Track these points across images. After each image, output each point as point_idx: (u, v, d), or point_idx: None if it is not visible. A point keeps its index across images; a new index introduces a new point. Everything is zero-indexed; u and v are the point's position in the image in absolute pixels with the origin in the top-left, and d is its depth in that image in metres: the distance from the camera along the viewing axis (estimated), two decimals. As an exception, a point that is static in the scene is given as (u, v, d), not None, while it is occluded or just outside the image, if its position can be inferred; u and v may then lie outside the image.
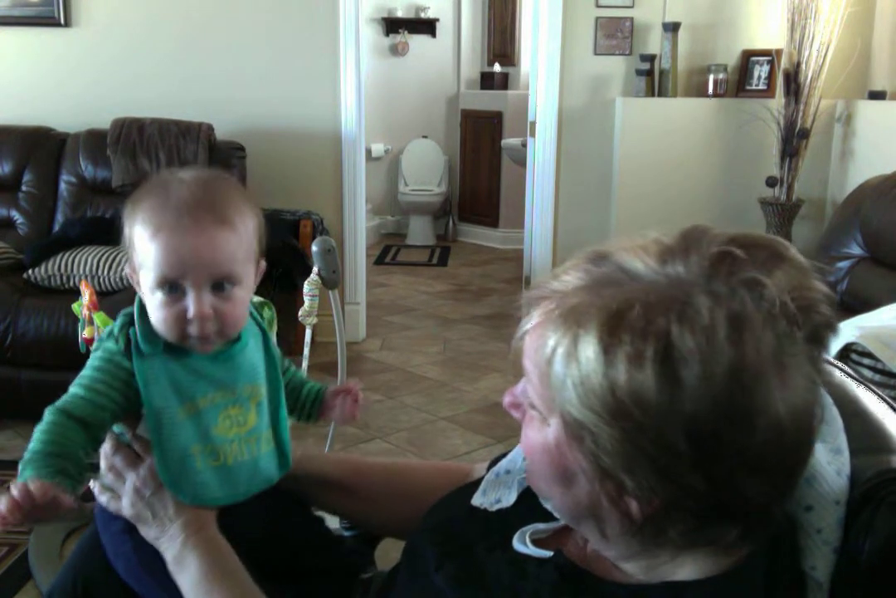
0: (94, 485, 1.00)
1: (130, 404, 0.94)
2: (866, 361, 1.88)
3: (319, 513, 1.17)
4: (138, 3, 3.86)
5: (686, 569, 0.70)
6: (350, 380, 1.16)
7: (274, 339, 2.56)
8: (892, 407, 0.87)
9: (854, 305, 2.56)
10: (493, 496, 0.88)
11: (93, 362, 0.95)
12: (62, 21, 3.84)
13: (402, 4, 6.58)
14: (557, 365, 0.65)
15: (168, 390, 0.94)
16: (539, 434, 0.70)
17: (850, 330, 1.94)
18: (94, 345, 0.98)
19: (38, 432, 0.90)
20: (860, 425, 0.83)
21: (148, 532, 0.94)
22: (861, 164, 3.68)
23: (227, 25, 3.88)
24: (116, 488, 0.97)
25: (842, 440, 0.77)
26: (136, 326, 0.95)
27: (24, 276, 3.17)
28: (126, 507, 0.96)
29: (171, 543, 0.92)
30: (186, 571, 0.90)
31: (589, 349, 0.63)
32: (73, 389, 0.93)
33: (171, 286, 0.92)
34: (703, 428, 0.61)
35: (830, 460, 0.75)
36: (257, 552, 1.00)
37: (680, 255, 0.65)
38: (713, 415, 0.60)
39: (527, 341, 0.69)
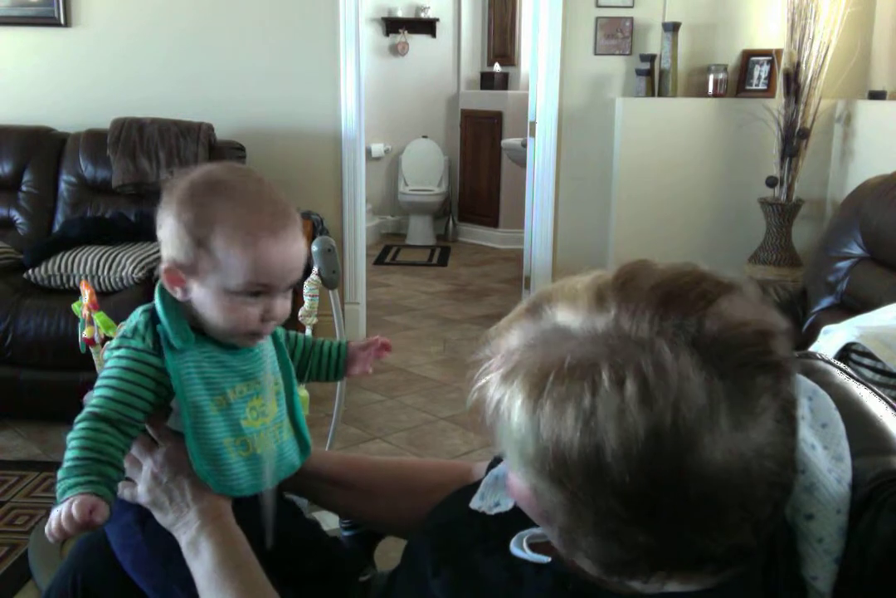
0: None
1: (160, 401, 0.94)
2: (866, 361, 1.88)
3: (314, 517, 1.17)
4: (138, 3, 3.86)
5: (682, 584, 0.69)
6: (373, 337, 1.17)
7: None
8: (893, 408, 0.86)
9: (854, 305, 2.56)
10: (492, 500, 0.87)
11: (118, 362, 0.94)
12: (62, 21, 3.84)
13: (402, 4, 6.58)
14: (499, 424, 0.65)
15: (200, 384, 0.95)
16: (516, 485, 0.70)
17: (850, 330, 1.94)
18: (114, 343, 0.97)
19: (75, 438, 0.89)
20: (862, 427, 0.82)
21: (164, 518, 0.94)
22: (861, 164, 3.68)
23: (227, 25, 3.88)
24: (132, 474, 0.97)
25: (843, 447, 0.75)
26: (165, 322, 0.94)
27: (24, 276, 3.17)
28: (142, 493, 0.96)
29: (187, 529, 0.92)
30: (200, 557, 0.90)
31: (519, 409, 0.63)
32: (102, 391, 0.92)
33: (258, 290, 0.93)
34: (633, 491, 0.59)
35: (831, 468, 0.74)
36: (255, 556, 1.00)
37: (608, 306, 0.64)
38: (639, 479, 0.59)
39: (477, 397, 0.68)
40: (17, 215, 3.55)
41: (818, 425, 0.76)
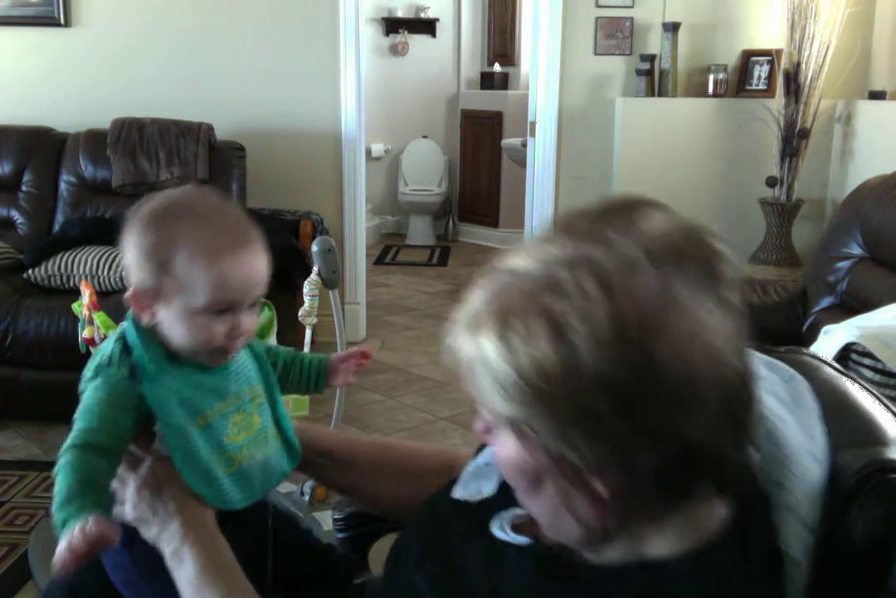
0: None
1: (139, 427, 0.96)
2: (866, 361, 1.88)
3: (313, 516, 1.18)
4: (138, 3, 3.86)
5: (660, 546, 0.71)
6: (354, 348, 1.19)
7: (273, 339, 2.56)
8: (880, 401, 0.89)
9: (854, 305, 2.56)
10: (474, 488, 0.89)
11: (96, 393, 0.95)
12: (62, 21, 3.85)
13: (402, 4, 6.58)
14: (474, 372, 0.68)
15: (179, 407, 0.96)
16: (503, 448, 0.72)
17: (850, 330, 1.94)
18: (89, 373, 0.98)
19: (63, 472, 0.89)
20: (849, 419, 0.85)
21: (149, 533, 0.95)
22: (861, 164, 3.68)
23: (227, 25, 3.88)
24: (119, 494, 0.98)
25: (817, 427, 0.79)
26: (138, 350, 0.96)
27: (24, 276, 3.17)
28: (128, 511, 0.97)
29: (171, 540, 0.93)
30: (184, 566, 0.91)
31: (489, 347, 0.66)
32: (83, 423, 0.93)
33: (225, 308, 0.95)
34: (611, 383, 0.62)
35: (804, 443, 0.78)
36: (250, 561, 1.01)
37: (552, 240, 0.69)
38: (616, 370, 0.62)
39: (448, 360, 0.71)
40: (17, 215, 3.55)
41: (794, 405, 0.81)
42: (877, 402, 0.88)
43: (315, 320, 2.26)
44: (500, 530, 0.81)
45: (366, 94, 4.03)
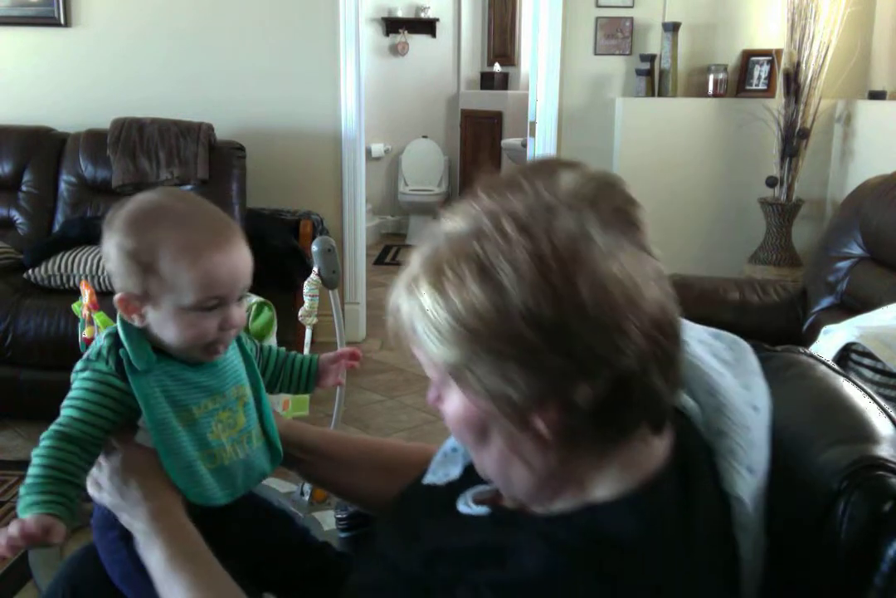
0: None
1: (122, 420, 0.98)
2: (866, 361, 1.88)
3: (313, 517, 1.18)
4: (138, 3, 3.86)
5: (603, 489, 0.75)
6: (343, 349, 1.21)
7: (273, 339, 2.56)
8: (873, 400, 0.90)
9: (854, 305, 2.55)
10: (442, 473, 0.94)
11: (84, 383, 0.97)
12: (62, 21, 3.85)
13: (402, 4, 6.58)
14: (415, 328, 0.73)
15: (165, 403, 0.98)
16: (450, 405, 0.76)
17: (850, 330, 1.94)
18: (79, 365, 1.00)
19: (39, 455, 0.92)
20: (839, 417, 0.87)
21: (123, 518, 0.97)
22: (861, 164, 3.68)
23: (227, 25, 3.88)
24: (100, 479, 1.00)
25: (752, 378, 0.86)
26: (126, 346, 0.98)
27: (24, 276, 3.17)
28: (106, 496, 0.99)
29: (140, 526, 0.95)
30: (153, 552, 0.93)
31: (426, 299, 0.71)
32: (68, 411, 0.96)
33: (214, 304, 0.96)
34: (539, 316, 0.67)
35: (739, 392, 0.84)
36: (245, 558, 1.03)
37: (478, 196, 0.74)
38: (541, 304, 0.67)
39: (392, 323, 0.76)
40: (17, 215, 3.55)
41: (733, 362, 0.87)
42: (870, 401, 0.89)
43: (315, 320, 2.26)
44: (465, 505, 0.86)
45: (366, 94, 4.03)
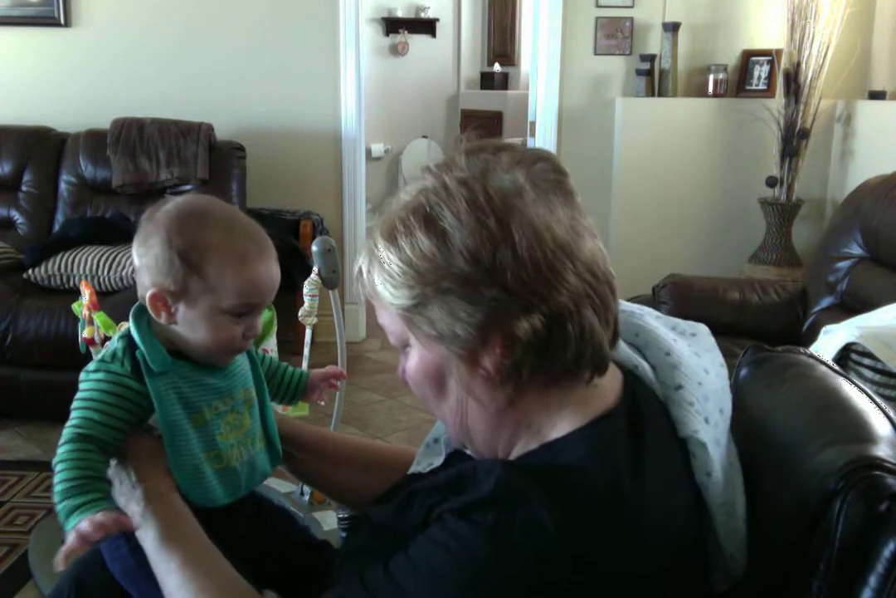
0: None
1: (138, 422, 1.00)
2: (866, 361, 1.88)
3: (313, 517, 1.18)
4: (138, 3, 3.86)
5: (556, 432, 0.81)
6: (332, 367, 1.25)
7: (273, 339, 2.55)
8: (872, 400, 0.90)
9: (854, 305, 2.55)
10: (426, 463, 0.99)
11: (98, 385, 0.98)
12: (62, 21, 3.85)
13: (402, 4, 6.58)
14: (373, 282, 0.81)
15: (178, 405, 1.00)
16: (411, 362, 0.84)
17: (850, 330, 1.94)
18: (92, 366, 1.01)
19: (66, 460, 0.94)
20: (837, 417, 0.87)
21: (119, 501, 0.99)
22: (861, 164, 3.68)
23: (227, 25, 3.88)
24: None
25: (704, 348, 0.93)
26: (142, 347, 1.00)
27: (24, 276, 3.17)
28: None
29: (136, 508, 0.97)
30: (147, 532, 0.95)
31: (382, 254, 0.80)
32: (85, 412, 0.97)
33: (245, 310, 1.00)
34: (478, 255, 0.75)
35: (691, 355, 0.91)
36: (248, 555, 1.04)
37: (424, 173, 0.82)
38: (478, 241, 0.75)
39: (363, 288, 0.84)
40: (17, 215, 3.55)
41: (689, 336, 0.94)
42: (869, 401, 0.89)
43: (315, 320, 2.26)
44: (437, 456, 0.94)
45: (366, 94, 4.02)
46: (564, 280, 0.76)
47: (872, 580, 0.73)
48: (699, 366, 0.90)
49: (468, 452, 0.92)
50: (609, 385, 0.84)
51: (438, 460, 0.98)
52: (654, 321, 0.94)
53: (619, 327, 0.83)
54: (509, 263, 0.75)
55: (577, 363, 0.79)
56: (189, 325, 1.00)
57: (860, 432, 0.83)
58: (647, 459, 0.79)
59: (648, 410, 0.85)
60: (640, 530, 0.75)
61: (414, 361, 0.83)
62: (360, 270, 0.84)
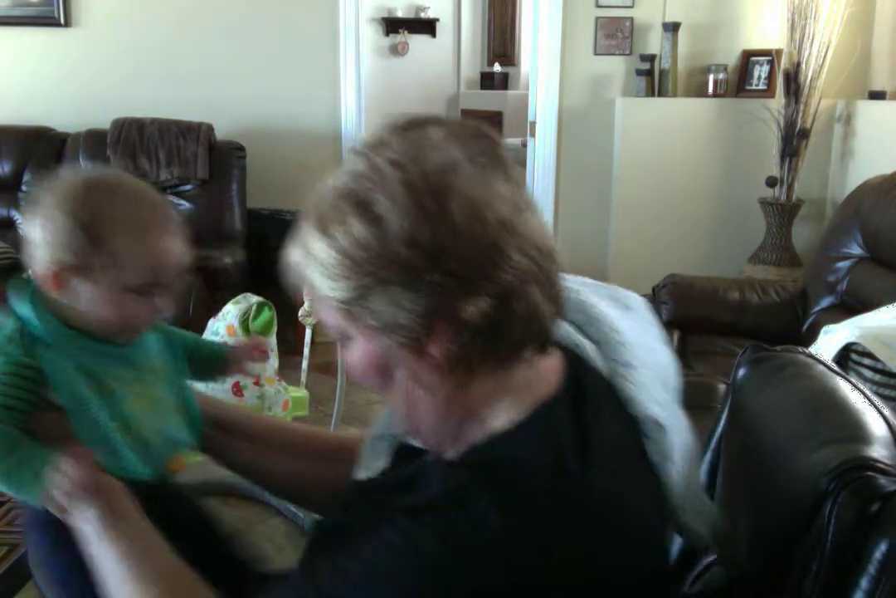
0: None
1: (42, 398, 0.96)
2: (866, 361, 1.88)
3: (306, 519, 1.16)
4: (138, 3, 3.86)
5: (499, 420, 0.78)
6: (257, 338, 1.20)
7: (273, 339, 2.55)
8: (869, 400, 0.90)
9: (854, 305, 2.55)
10: (374, 466, 0.96)
11: None
12: (62, 21, 3.85)
13: (402, 4, 6.58)
14: (308, 275, 0.77)
15: (79, 376, 0.96)
16: (353, 353, 0.80)
17: (850, 330, 1.94)
18: None
19: None
20: (833, 417, 0.87)
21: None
22: (861, 164, 3.68)
23: (226, 25, 3.88)
24: None
25: (644, 325, 0.91)
26: (33, 322, 0.97)
27: (24, 276, 3.17)
28: None
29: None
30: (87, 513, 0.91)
31: (315, 245, 0.75)
32: None
33: (152, 288, 0.96)
34: (417, 239, 0.71)
35: (638, 332, 0.90)
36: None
37: (349, 156, 0.79)
38: (416, 224, 0.71)
39: (292, 279, 0.80)
40: (17, 215, 3.55)
41: (628, 309, 0.93)
42: (865, 400, 0.89)
43: (315, 320, 2.26)
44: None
45: (366, 94, 4.03)
46: (509, 258, 0.73)
47: (864, 583, 0.72)
48: (643, 342, 0.89)
49: (416, 444, 0.90)
50: (550, 366, 0.82)
51: (385, 461, 0.95)
52: (596, 298, 0.91)
53: (563, 303, 0.81)
54: (450, 244, 0.72)
55: (523, 344, 0.77)
56: (90, 302, 0.96)
57: (855, 432, 0.83)
58: (596, 443, 0.77)
59: (593, 390, 0.83)
60: (591, 522, 0.73)
61: (357, 354, 0.79)
62: (291, 263, 0.79)
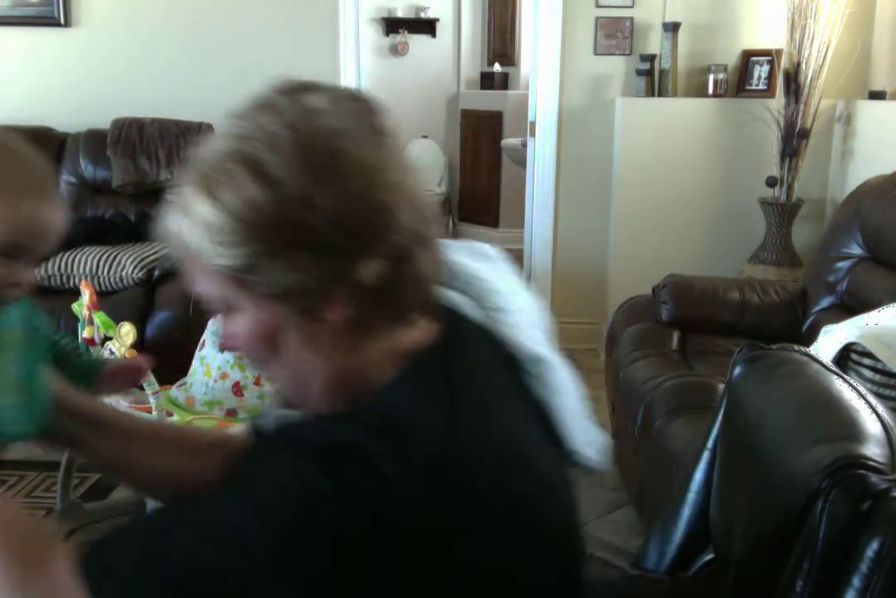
0: None
1: None
2: (866, 361, 1.88)
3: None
4: (138, 3, 3.87)
5: (382, 376, 0.78)
6: (139, 357, 1.13)
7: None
8: (865, 399, 0.90)
9: (854, 305, 2.55)
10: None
11: None
12: (62, 21, 3.85)
13: (402, 4, 6.57)
14: (192, 243, 0.74)
15: None
16: (239, 325, 0.77)
17: (850, 330, 1.94)
18: None
19: None
20: (828, 415, 0.87)
21: None
22: (861, 164, 3.68)
23: (227, 25, 3.88)
24: None
25: (503, 274, 0.93)
26: None
27: (24, 276, 3.17)
28: None
29: None
30: None
31: (203, 210, 0.73)
32: None
33: (15, 253, 0.88)
34: (312, 200, 0.71)
35: (500, 278, 0.91)
36: None
37: (230, 119, 0.80)
38: (312, 186, 0.71)
39: (174, 249, 0.77)
40: (17, 215, 3.55)
41: (488, 260, 0.94)
42: (861, 399, 0.89)
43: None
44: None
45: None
46: (399, 220, 0.74)
47: (856, 581, 0.72)
48: (510, 288, 0.91)
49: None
50: (429, 324, 0.81)
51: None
52: (456, 254, 0.92)
53: (442, 265, 0.82)
54: (345, 207, 0.71)
55: (413, 305, 0.78)
56: None
57: (849, 430, 0.83)
58: (468, 386, 0.78)
59: (468, 339, 0.83)
60: (472, 472, 0.73)
61: (244, 324, 0.77)
62: (171, 232, 0.76)
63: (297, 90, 0.77)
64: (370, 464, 0.69)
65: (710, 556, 1.01)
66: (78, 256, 3.16)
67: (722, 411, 1.09)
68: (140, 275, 3.05)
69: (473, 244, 0.96)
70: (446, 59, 6.74)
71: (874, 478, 0.75)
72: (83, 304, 2.35)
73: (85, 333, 2.35)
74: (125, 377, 1.11)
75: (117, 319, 2.15)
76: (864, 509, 0.73)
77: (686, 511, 1.12)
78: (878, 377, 1.86)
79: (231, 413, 2.25)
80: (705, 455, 1.12)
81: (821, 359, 0.99)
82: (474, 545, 0.72)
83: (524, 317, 0.88)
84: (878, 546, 0.71)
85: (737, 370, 1.06)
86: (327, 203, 0.71)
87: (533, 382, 0.85)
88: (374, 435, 0.71)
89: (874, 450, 0.78)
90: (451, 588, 0.72)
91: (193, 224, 0.74)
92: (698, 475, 1.12)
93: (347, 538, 0.68)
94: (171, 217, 0.76)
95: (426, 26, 6.61)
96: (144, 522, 0.80)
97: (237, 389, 2.26)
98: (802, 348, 1.02)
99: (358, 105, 0.78)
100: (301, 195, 0.71)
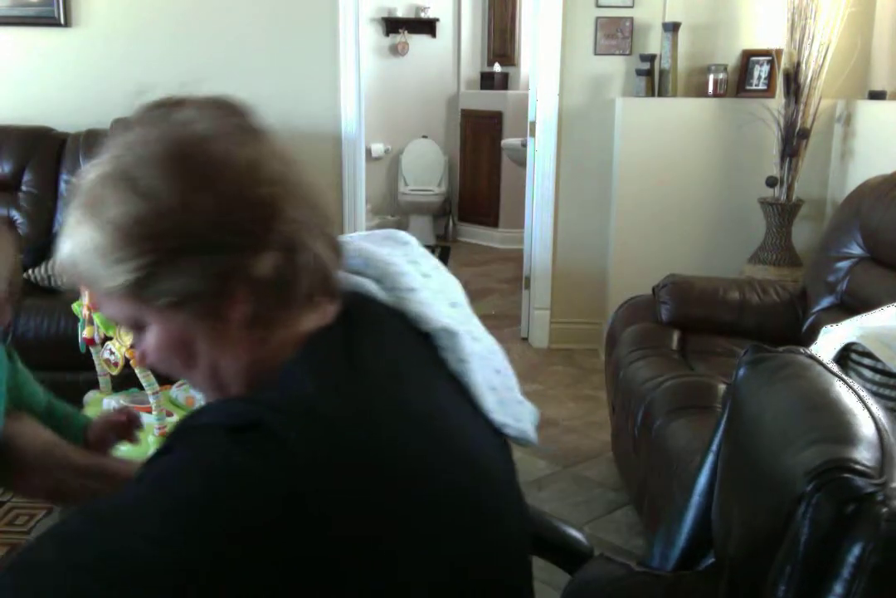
0: None
1: None
2: (866, 361, 1.88)
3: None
4: (138, 3, 3.86)
5: (289, 359, 0.78)
6: (121, 409, 1.14)
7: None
8: (863, 402, 0.89)
9: (854, 305, 2.55)
10: None
11: None
12: (62, 21, 3.84)
13: (402, 4, 6.57)
14: (85, 269, 0.76)
15: None
16: (150, 339, 0.78)
17: (850, 330, 1.94)
18: None
19: None
20: (825, 418, 0.86)
21: None
22: (861, 164, 3.68)
23: (226, 25, 3.88)
24: None
25: (418, 257, 0.96)
26: None
27: (24, 276, 3.17)
28: None
29: None
30: None
31: (89, 234, 0.74)
32: None
33: None
34: (191, 204, 0.73)
35: (411, 263, 0.94)
36: None
37: (103, 149, 0.80)
38: (189, 194, 0.73)
39: (69, 279, 0.79)
40: (17, 215, 3.55)
41: (399, 243, 0.97)
42: (858, 401, 0.88)
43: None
44: None
45: (366, 94, 4.02)
46: (285, 212, 0.76)
47: (837, 587, 0.71)
48: (421, 270, 0.94)
49: None
50: (333, 309, 0.83)
51: None
52: (369, 242, 0.95)
53: (342, 252, 0.84)
54: (225, 207, 0.73)
55: (312, 292, 0.79)
56: None
57: (842, 432, 0.82)
58: (380, 365, 0.79)
59: (371, 318, 0.85)
60: (374, 446, 0.73)
61: (154, 338, 0.78)
62: (65, 261, 0.77)
63: (161, 106, 0.81)
64: (275, 439, 0.69)
65: (712, 560, 1.00)
66: (78, 256, 3.16)
67: (726, 413, 1.09)
68: (140, 275, 3.05)
69: (391, 231, 1.00)
70: (446, 59, 6.74)
71: (859, 481, 0.73)
72: (83, 304, 2.35)
73: (85, 333, 2.35)
74: (113, 434, 1.11)
75: (117, 319, 2.15)
76: (847, 512, 0.72)
77: (689, 515, 1.11)
78: (878, 377, 1.86)
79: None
80: (709, 458, 1.11)
81: (824, 361, 0.98)
82: (364, 521, 0.70)
83: (436, 295, 0.91)
84: (859, 551, 0.70)
85: (740, 372, 1.05)
86: (206, 206, 0.73)
87: (448, 355, 0.87)
88: (274, 412, 0.71)
89: (864, 454, 0.77)
90: (339, 566, 0.70)
91: (84, 252, 0.75)
92: (702, 479, 1.11)
93: (257, 512, 0.67)
94: (63, 250, 0.77)
95: (426, 26, 6.62)
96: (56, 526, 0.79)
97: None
98: (807, 351, 1.02)
99: (222, 110, 0.80)
100: (179, 203, 0.72)
